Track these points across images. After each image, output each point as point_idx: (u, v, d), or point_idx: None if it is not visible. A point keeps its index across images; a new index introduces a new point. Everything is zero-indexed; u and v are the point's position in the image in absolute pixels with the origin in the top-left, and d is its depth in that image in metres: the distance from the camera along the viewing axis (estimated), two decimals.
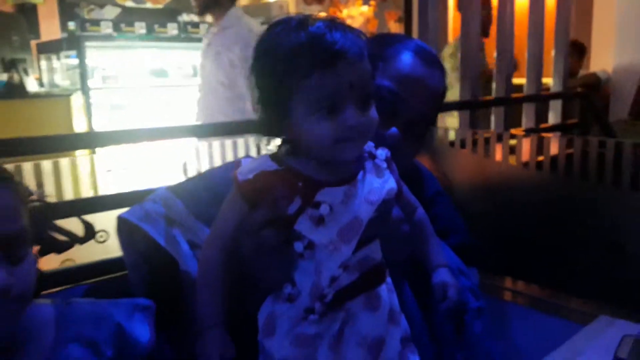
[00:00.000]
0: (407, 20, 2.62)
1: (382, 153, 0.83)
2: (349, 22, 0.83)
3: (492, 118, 2.64)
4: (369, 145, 0.82)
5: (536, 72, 2.83)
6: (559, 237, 1.57)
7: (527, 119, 2.82)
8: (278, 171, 0.77)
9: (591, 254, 1.54)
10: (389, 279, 0.82)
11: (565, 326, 1.17)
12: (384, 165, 0.82)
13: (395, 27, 5.89)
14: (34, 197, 0.80)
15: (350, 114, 0.72)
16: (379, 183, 0.79)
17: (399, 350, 0.80)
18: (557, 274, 1.49)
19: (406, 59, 1.06)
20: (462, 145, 1.76)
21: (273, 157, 0.79)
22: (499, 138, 1.73)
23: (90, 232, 0.90)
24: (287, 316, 0.77)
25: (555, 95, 3.00)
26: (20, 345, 0.77)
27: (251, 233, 0.77)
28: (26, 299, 0.73)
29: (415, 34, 2.37)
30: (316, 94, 0.71)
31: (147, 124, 2.84)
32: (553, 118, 3.00)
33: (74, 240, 0.88)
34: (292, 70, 0.72)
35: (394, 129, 1.02)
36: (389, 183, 0.81)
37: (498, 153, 1.73)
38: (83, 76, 3.19)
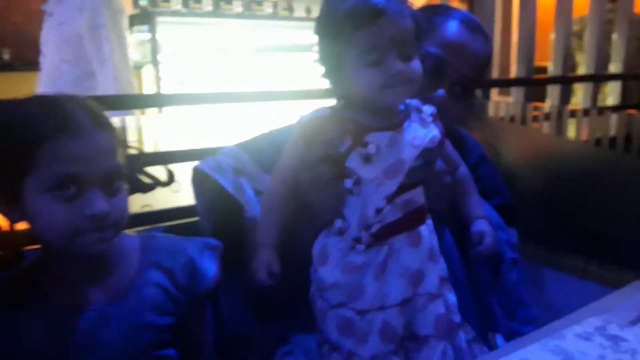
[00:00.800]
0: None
1: (428, 108, 0.93)
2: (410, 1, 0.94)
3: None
4: (416, 102, 0.92)
5: (596, 53, 2.78)
6: (602, 210, 1.59)
7: (584, 99, 2.78)
8: (332, 116, 0.89)
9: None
10: (429, 221, 0.92)
11: (602, 291, 1.22)
12: (430, 119, 0.92)
13: (458, 6, 5.79)
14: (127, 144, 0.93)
15: (393, 63, 0.83)
16: (423, 132, 0.90)
17: (437, 286, 0.90)
18: (600, 246, 1.52)
19: (450, 26, 1.14)
20: (512, 120, 1.80)
21: (329, 107, 0.91)
22: (559, 115, 1.77)
23: (171, 178, 1.00)
24: (338, 247, 0.88)
25: (616, 76, 2.93)
26: (113, 267, 0.89)
27: (308, 169, 0.89)
28: (119, 227, 0.85)
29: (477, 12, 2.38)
30: (363, 46, 0.83)
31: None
32: (612, 100, 2.94)
33: (157, 183, 0.97)
34: (344, 27, 0.84)
35: (440, 91, 1.11)
36: (432, 132, 0.91)
37: (547, 130, 1.76)
38: (153, 50, 3.38)
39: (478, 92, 1.92)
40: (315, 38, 0.90)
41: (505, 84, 2.45)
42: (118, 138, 0.85)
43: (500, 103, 1.83)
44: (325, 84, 0.91)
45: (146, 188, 0.96)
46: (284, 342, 1.09)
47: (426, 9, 1.22)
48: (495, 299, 1.15)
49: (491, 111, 1.88)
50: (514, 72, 2.51)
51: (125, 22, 2.59)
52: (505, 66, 3.07)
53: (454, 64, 1.12)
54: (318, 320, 0.92)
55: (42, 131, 0.76)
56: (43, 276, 0.86)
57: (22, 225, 0.86)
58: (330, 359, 0.89)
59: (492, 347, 1.05)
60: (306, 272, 0.94)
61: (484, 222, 0.97)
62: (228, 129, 2.93)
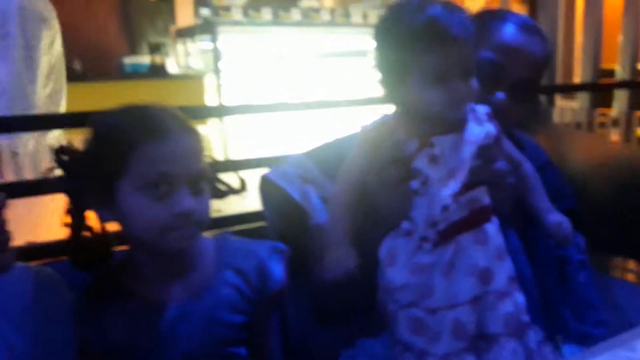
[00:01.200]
0: (531, 2, 2.57)
1: (481, 108, 0.96)
2: (468, 3, 0.96)
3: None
4: (471, 104, 0.95)
5: None
6: None
7: None
8: (396, 121, 0.93)
9: None
10: (495, 220, 0.94)
11: None
12: (485, 117, 0.95)
13: (518, 9, 5.67)
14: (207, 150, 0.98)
15: (456, 83, 0.86)
16: (478, 129, 0.92)
17: (506, 284, 0.91)
18: None
19: (504, 29, 1.15)
20: (578, 126, 1.76)
21: (392, 114, 0.95)
22: (628, 121, 1.72)
23: (243, 185, 1.04)
24: (405, 248, 0.91)
25: None
26: (192, 266, 0.95)
27: (375, 172, 0.92)
28: (201, 226, 0.91)
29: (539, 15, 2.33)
30: (429, 66, 0.85)
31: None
32: None
33: (230, 190, 1.02)
34: (411, 48, 0.86)
35: (499, 93, 1.12)
36: (487, 128, 0.93)
37: (614, 136, 1.71)
38: (215, 59, 3.51)
39: (542, 98, 1.89)
40: (372, 43, 0.92)
41: (569, 89, 2.38)
42: (202, 142, 0.92)
43: (566, 109, 1.80)
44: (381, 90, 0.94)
45: (221, 194, 1.01)
46: (348, 346, 1.11)
47: (482, 13, 1.22)
48: (563, 301, 1.14)
49: (556, 117, 1.84)
50: (578, 76, 2.44)
51: (41, 30, 2.45)
52: (568, 70, 2.98)
53: (510, 67, 1.12)
54: (389, 322, 0.94)
55: (135, 136, 0.84)
56: (128, 275, 0.93)
57: (111, 227, 0.93)
58: (403, 358, 0.91)
59: (557, 350, 1.04)
60: (372, 276, 0.96)
61: (558, 213, 0.97)
62: (290, 136, 3.01)
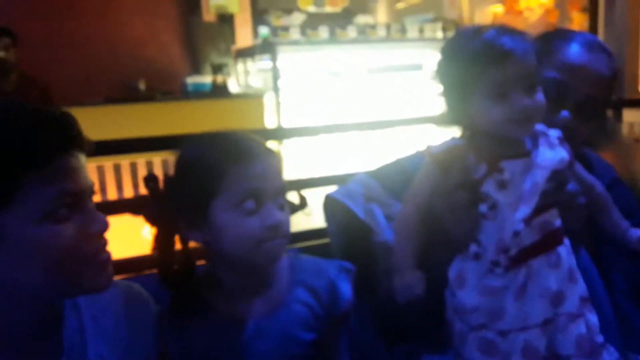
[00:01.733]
0: (592, 10, 2.51)
1: (554, 132, 0.96)
2: (526, 14, 0.99)
3: None
4: (542, 127, 0.95)
5: None
6: None
7: None
8: (465, 145, 0.94)
9: None
10: (567, 241, 0.94)
11: None
12: (556, 142, 0.95)
13: (578, 18, 5.52)
14: None
15: (518, 99, 0.88)
16: (551, 154, 0.93)
17: (577, 305, 0.91)
18: None
19: (568, 48, 1.15)
20: None
21: (459, 137, 0.96)
22: None
23: (304, 203, 1.08)
24: (475, 271, 0.92)
25: None
26: (269, 283, 0.99)
27: (444, 195, 0.94)
28: (287, 239, 0.96)
29: (600, 24, 2.28)
30: (490, 84, 0.88)
31: (328, 119, 3.12)
32: None
33: (295, 207, 1.06)
34: (471, 69, 0.89)
35: (564, 112, 1.12)
36: (560, 154, 0.93)
37: None
38: (275, 78, 3.61)
39: (609, 113, 1.85)
40: (429, 57, 0.96)
41: (638, 103, 2.29)
42: (281, 161, 0.98)
43: (635, 124, 1.75)
44: (442, 108, 0.97)
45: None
46: None
47: (547, 34, 1.22)
48: (639, 318, 1.11)
49: (625, 132, 1.79)
50: None
51: None
52: (635, 83, 2.88)
53: (575, 85, 1.13)
54: (456, 343, 0.95)
55: (228, 160, 0.91)
56: (210, 291, 0.99)
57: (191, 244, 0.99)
58: None
59: None
60: (437, 295, 0.97)
61: (637, 229, 0.98)
62: (347, 153, 3.05)
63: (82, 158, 0.80)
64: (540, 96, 0.91)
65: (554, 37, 1.18)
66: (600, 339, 0.94)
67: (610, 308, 1.10)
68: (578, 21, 4.34)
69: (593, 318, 0.94)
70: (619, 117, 2.01)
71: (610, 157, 1.45)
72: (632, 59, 2.74)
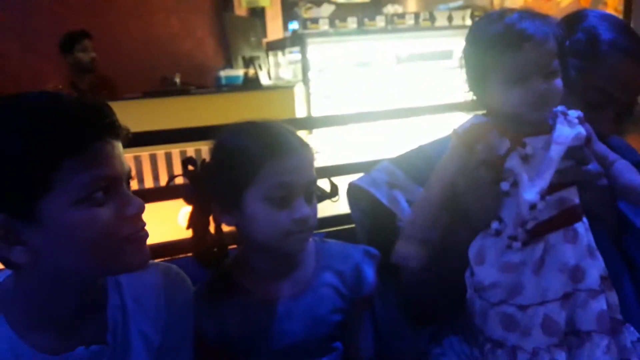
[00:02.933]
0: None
1: (574, 112, 0.97)
2: None
3: None
4: (562, 107, 0.97)
5: None
6: None
7: None
8: (489, 122, 0.96)
9: None
10: (585, 220, 0.94)
11: None
12: (576, 121, 0.96)
13: (612, 2, 5.34)
14: None
15: (536, 83, 0.89)
16: (568, 131, 0.94)
17: (598, 282, 0.92)
18: None
19: (619, 60, 1.13)
20: None
21: (483, 115, 0.98)
22: None
23: (334, 190, 1.11)
24: (495, 248, 0.94)
25: None
26: (297, 266, 1.04)
27: (467, 173, 0.96)
28: (312, 231, 0.99)
29: (635, 7, 2.22)
30: (509, 69, 0.90)
31: (356, 109, 3.15)
32: None
33: (324, 195, 1.10)
34: (491, 52, 0.91)
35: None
36: (577, 130, 0.94)
37: None
38: (304, 70, 3.64)
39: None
40: (458, 45, 0.99)
41: None
42: (313, 154, 1.01)
43: None
44: (469, 96, 0.99)
45: (317, 199, 1.07)
46: (436, 343, 1.15)
47: (589, 32, 1.16)
48: None
49: None
50: None
51: None
52: None
53: (622, 97, 1.13)
54: (478, 322, 0.98)
55: (263, 153, 0.93)
56: (241, 273, 1.04)
57: (225, 228, 1.04)
58: (496, 355, 0.95)
59: None
60: (461, 276, 1.00)
61: None
62: (376, 141, 3.07)
63: (118, 145, 0.83)
64: (558, 82, 0.92)
65: (600, 40, 1.14)
66: (619, 316, 0.95)
67: (632, 289, 1.10)
68: (612, 4, 4.22)
69: (613, 296, 0.94)
70: None
71: (635, 141, 1.45)
72: None
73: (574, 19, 1.20)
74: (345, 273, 1.06)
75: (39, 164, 0.75)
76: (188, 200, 1.01)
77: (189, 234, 1.04)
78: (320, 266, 1.06)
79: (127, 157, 0.86)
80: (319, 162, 1.06)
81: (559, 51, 0.92)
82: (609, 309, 0.93)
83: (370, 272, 1.08)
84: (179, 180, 1.08)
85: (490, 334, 0.95)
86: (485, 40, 0.93)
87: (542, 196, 0.90)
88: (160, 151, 1.87)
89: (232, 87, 3.95)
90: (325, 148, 3.24)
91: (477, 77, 0.96)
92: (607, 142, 1.20)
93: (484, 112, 1.00)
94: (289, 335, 1.01)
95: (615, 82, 1.13)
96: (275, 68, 4.30)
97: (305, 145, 0.98)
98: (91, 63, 3.93)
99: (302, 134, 1.05)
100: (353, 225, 1.33)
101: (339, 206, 1.23)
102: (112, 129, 0.81)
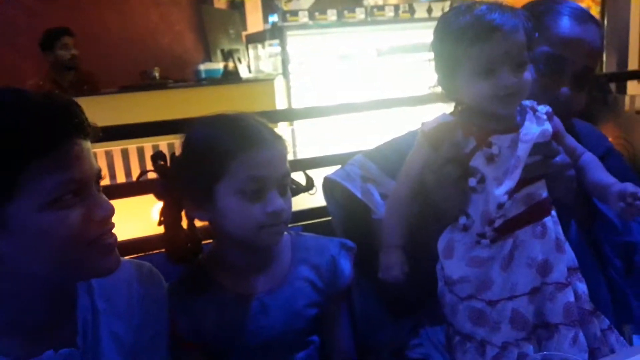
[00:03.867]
0: None
1: (543, 108, 0.97)
2: None
3: None
4: (532, 102, 0.97)
5: None
6: None
7: None
8: (455, 120, 0.96)
9: None
10: (554, 212, 0.95)
11: None
12: (544, 117, 0.96)
13: None
14: None
15: (504, 76, 0.89)
16: (536, 129, 0.94)
17: (565, 275, 0.93)
18: None
19: (561, 22, 1.16)
20: None
21: (450, 113, 0.98)
22: None
23: (310, 184, 1.11)
24: (463, 242, 0.95)
25: None
26: (272, 261, 1.04)
27: (434, 170, 0.96)
28: (287, 224, 0.98)
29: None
30: (477, 60, 0.90)
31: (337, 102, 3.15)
32: None
33: (300, 189, 1.09)
34: (459, 43, 0.91)
35: (564, 89, 1.13)
36: (544, 127, 0.95)
37: None
38: (284, 62, 3.63)
39: (613, 86, 1.85)
40: (431, 48, 0.97)
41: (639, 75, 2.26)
42: (287, 147, 1.00)
43: (636, 97, 1.75)
44: (437, 89, 0.99)
45: (293, 193, 1.06)
46: (414, 334, 1.17)
47: (533, 5, 1.22)
48: (630, 291, 1.13)
49: (628, 105, 1.79)
50: None
51: None
52: None
53: (571, 58, 1.14)
54: (448, 314, 0.99)
55: (234, 145, 0.92)
56: (215, 269, 1.03)
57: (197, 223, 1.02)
58: (465, 348, 0.96)
59: (627, 338, 1.04)
60: (433, 268, 1.01)
61: (621, 184, 0.95)
62: (355, 133, 3.06)
63: (87, 145, 0.80)
64: (527, 75, 0.92)
65: (544, 11, 1.19)
66: (589, 307, 0.96)
67: (602, 279, 1.12)
68: None
69: (582, 287, 0.96)
70: (622, 89, 2.00)
71: (609, 129, 1.46)
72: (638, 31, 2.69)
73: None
74: (321, 266, 1.05)
75: (3, 167, 0.72)
76: (159, 196, 1.00)
77: (162, 229, 1.02)
78: (296, 260, 1.05)
79: (98, 152, 0.83)
80: (301, 155, 1.05)
81: (528, 43, 0.92)
82: (579, 300, 0.94)
83: (346, 265, 1.08)
84: (153, 176, 1.06)
85: (460, 327, 0.96)
86: (454, 33, 0.92)
87: (510, 195, 0.91)
88: (132, 146, 1.84)
89: (211, 80, 3.92)
90: (307, 141, 3.23)
91: (446, 70, 0.95)
92: (574, 128, 1.21)
93: (453, 108, 1.00)
94: (266, 330, 1.00)
95: (561, 42, 1.14)
96: (256, 61, 4.28)
97: (277, 138, 0.97)
98: (72, 60, 3.87)
99: (283, 126, 1.03)
100: (330, 218, 1.33)
101: (317, 199, 1.24)
102: (81, 128, 0.78)
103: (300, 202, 1.17)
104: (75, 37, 3.90)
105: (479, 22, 0.89)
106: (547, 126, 0.96)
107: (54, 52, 3.81)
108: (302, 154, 2.66)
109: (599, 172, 1.00)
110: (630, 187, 0.92)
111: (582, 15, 1.18)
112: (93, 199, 0.80)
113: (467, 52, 0.90)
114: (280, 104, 3.61)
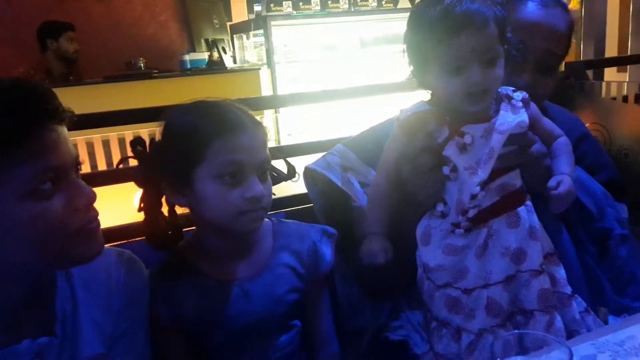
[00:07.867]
0: None
1: (518, 94, 0.96)
2: None
3: None
4: (507, 89, 0.96)
5: None
6: None
7: None
8: (430, 110, 0.96)
9: None
10: (528, 202, 0.96)
11: None
12: (520, 104, 0.95)
13: None
14: None
15: (474, 72, 0.87)
16: (512, 118, 0.93)
17: (540, 262, 0.94)
18: None
19: (523, 7, 1.17)
20: (625, 100, 1.74)
21: (426, 102, 0.99)
22: None
23: (292, 172, 1.11)
24: (440, 229, 0.96)
25: None
26: (253, 247, 1.04)
27: (409, 160, 0.97)
28: (266, 211, 0.99)
29: None
30: (446, 57, 0.88)
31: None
32: None
33: (281, 177, 1.09)
34: (428, 39, 0.90)
35: (521, 81, 1.13)
36: (520, 117, 0.94)
37: None
38: (269, 52, 3.62)
39: (590, 73, 1.87)
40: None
41: (616, 62, 2.28)
42: (266, 133, 1.00)
43: (611, 83, 1.78)
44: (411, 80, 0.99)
45: (275, 181, 1.07)
46: (395, 317, 1.19)
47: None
48: (604, 275, 1.15)
49: (604, 92, 1.83)
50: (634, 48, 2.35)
51: None
52: (624, 41, 2.85)
53: (533, 43, 1.14)
54: (426, 300, 1.00)
55: (212, 130, 0.92)
56: (196, 255, 1.03)
57: (179, 210, 1.03)
58: (441, 334, 0.97)
59: (603, 320, 1.06)
60: (412, 254, 1.02)
61: (564, 176, 0.96)
62: (338, 121, 3.06)
63: (63, 131, 0.78)
64: (498, 71, 0.90)
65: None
66: (568, 290, 0.98)
67: (578, 264, 1.14)
68: None
69: (560, 271, 0.97)
70: (599, 76, 2.03)
71: (586, 115, 1.49)
72: (622, 19, 2.72)
73: None
74: (302, 253, 1.06)
75: None
76: (138, 182, 1.00)
77: (143, 216, 1.03)
78: (277, 246, 1.06)
79: (79, 141, 0.82)
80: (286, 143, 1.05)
81: (501, 34, 0.90)
82: (557, 284, 0.96)
83: (327, 251, 1.09)
84: (134, 163, 1.06)
85: (437, 314, 0.98)
86: (423, 27, 0.90)
87: (483, 186, 0.91)
88: (113, 134, 1.83)
89: (196, 70, 3.89)
90: (293, 131, 3.24)
91: (417, 64, 0.95)
92: (548, 114, 1.23)
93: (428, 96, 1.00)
94: (247, 315, 1.01)
95: (520, 27, 1.13)
96: (241, 51, 4.26)
97: (257, 124, 0.97)
98: (75, 54, 3.91)
99: (268, 114, 1.03)
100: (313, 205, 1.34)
101: (299, 186, 1.25)
102: (55, 114, 0.76)
103: (283, 189, 1.18)
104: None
105: (448, 16, 0.86)
106: (524, 116, 0.95)
107: (58, 42, 3.81)
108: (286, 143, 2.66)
109: (557, 160, 1.00)
110: (552, 181, 0.94)
111: (545, 0, 1.18)
112: (73, 186, 0.79)
113: (435, 48, 0.89)
114: (266, 94, 3.60)
